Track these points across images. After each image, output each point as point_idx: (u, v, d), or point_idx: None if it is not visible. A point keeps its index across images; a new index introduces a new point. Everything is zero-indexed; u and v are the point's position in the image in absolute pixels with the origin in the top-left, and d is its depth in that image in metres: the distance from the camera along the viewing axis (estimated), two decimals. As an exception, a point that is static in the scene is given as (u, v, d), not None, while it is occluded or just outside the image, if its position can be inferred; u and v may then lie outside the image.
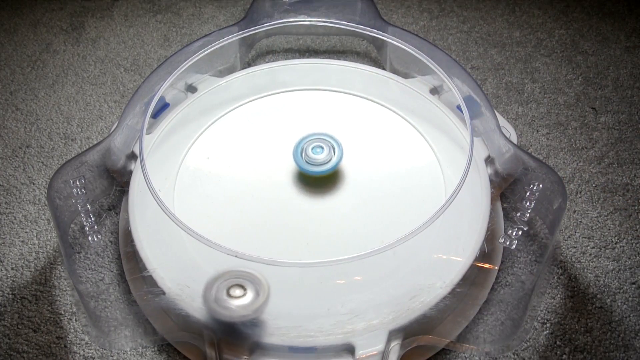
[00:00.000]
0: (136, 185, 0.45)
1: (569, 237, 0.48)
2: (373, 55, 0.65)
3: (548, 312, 0.43)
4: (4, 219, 0.50)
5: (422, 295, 0.39)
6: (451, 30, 0.68)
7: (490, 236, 0.42)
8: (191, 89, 0.54)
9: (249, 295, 0.36)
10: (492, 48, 0.65)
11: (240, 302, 0.35)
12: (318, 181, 0.46)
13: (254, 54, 0.65)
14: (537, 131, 0.56)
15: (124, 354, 0.42)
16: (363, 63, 0.58)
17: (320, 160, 0.44)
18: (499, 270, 0.45)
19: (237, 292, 0.36)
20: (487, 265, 0.43)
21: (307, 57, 0.64)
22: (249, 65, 0.63)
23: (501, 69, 0.63)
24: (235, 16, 0.70)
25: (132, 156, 0.48)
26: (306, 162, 0.44)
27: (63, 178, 0.43)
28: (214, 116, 0.51)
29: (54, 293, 0.45)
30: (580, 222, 0.49)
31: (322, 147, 0.45)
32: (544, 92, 0.60)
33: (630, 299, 0.44)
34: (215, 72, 0.56)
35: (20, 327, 0.43)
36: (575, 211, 0.50)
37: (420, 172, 0.46)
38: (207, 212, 0.44)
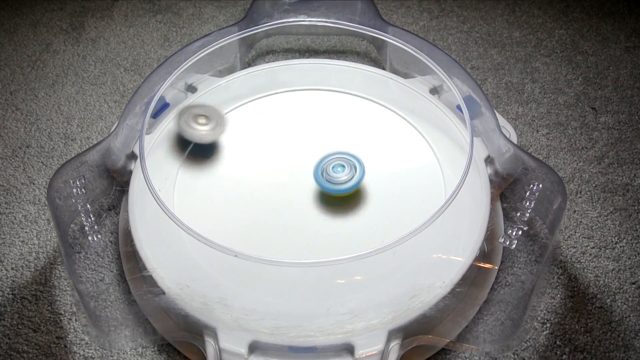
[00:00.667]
0: (136, 185, 0.45)
1: (569, 237, 0.48)
2: (373, 55, 0.65)
3: (548, 312, 0.43)
4: (4, 219, 0.50)
5: (422, 295, 0.39)
6: (451, 30, 0.68)
7: (490, 236, 0.42)
8: (191, 89, 0.54)
9: (211, 124, 0.47)
10: (492, 48, 0.65)
11: (204, 128, 0.47)
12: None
13: (254, 54, 0.65)
14: (537, 131, 0.56)
15: (124, 353, 0.42)
16: (363, 63, 0.58)
17: (342, 179, 0.43)
18: (499, 270, 0.45)
19: (202, 120, 0.47)
20: (486, 265, 0.43)
21: (307, 57, 0.64)
22: (249, 65, 0.63)
23: (501, 69, 0.63)
24: (235, 16, 0.70)
25: (132, 156, 0.48)
26: (327, 180, 0.44)
27: (63, 178, 0.43)
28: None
29: (54, 293, 0.45)
30: (580, 222, 0.49)
31: (344, 166, 0.44)
32: (544, 92, 0.60)
33: (630, 299, 0.44)
34: (215, 72, 0.56)
35: (20, 327, 0.43)
36: (575, 211, 0.50)
37: (420, 172, 0.46)
38: (207, 212, 0.44)
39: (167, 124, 0.50)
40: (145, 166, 0.42)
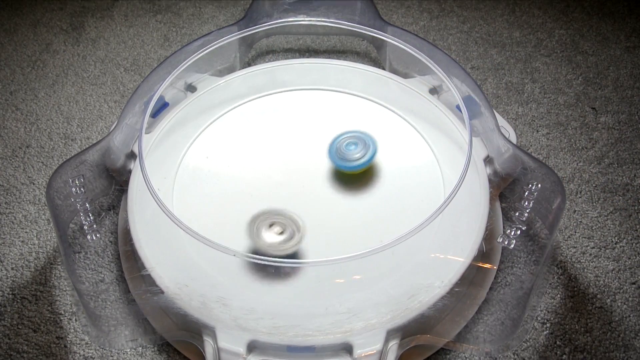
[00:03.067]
0: (135, 184, 0.45)
1: (568, 237, 0.48)
2: (373, 55, 0.65)
3: (548, 312, 0.43)
4: (4, 219, 0.50)
5: (421, 294, 0.39)
6: (451, 30, 0.67)
7: (488, 236, 0.42)
8: (191, 88, 0.54)
9: (286, 235, 0.40)
10: (492, 48, 0.65)
11: (277, 239, 0.40)
12: (317, 181, 0.46)
13: (253, 53, 0.65)
14: (537, 131, 0.56)
15: (123, 353, 0.42)
16: (363, 63, 0.58)
17: (355, 156, 0.45)
18: (498, 270, 0.45)
19: (276, 229, 0.40)
20: (485, 265, 0.43)
21: (307, 57, 0.64)
22: (248, 64, 0.63)
23: (501, 69, 0.63)
24: (235, 16, 0.70)
25: (132, 155, 0.48)
26: (339, 157, 0.45)
27: (62, 177, 0.43)
28: (213, 115, 0.51)
29: (54, 293, 0.45)
30: (580, 222, 0.49)
31: (357, 143, 0.45)
32: (544, 92, 0.60)
33: (630, 299, 0.44)
34: (214, 71, 0.56)
35: (20, 327, 0.43)
36: (575, 211, 0.50)
37: (419, 171, 0.46)
38: (206, 211, 0.44)
39: (167, 124, 0.50)
40: (145, 165, 0.42)
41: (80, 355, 0.42)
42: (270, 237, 0.40)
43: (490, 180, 0.45)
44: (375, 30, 0.52)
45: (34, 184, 0.52)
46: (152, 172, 0.43)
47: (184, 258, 0.41)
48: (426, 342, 0.40)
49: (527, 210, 0.42)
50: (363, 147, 0.45)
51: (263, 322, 0.38)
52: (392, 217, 0.44)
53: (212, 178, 0.47)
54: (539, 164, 0.43)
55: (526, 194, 0.43)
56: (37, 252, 0.48)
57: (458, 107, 0.47)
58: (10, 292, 0.45)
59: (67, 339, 0.42)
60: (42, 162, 0.54)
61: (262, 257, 0.37)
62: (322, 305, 0.39)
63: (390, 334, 0.38)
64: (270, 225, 0.40)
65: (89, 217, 0.43)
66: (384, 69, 0.58)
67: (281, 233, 0.40)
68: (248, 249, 0.41)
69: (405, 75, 0.55)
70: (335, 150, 0.46)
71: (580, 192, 0.51)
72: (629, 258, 0.47)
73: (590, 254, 0.47)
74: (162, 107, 0.52)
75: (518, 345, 0.42)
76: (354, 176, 0.46)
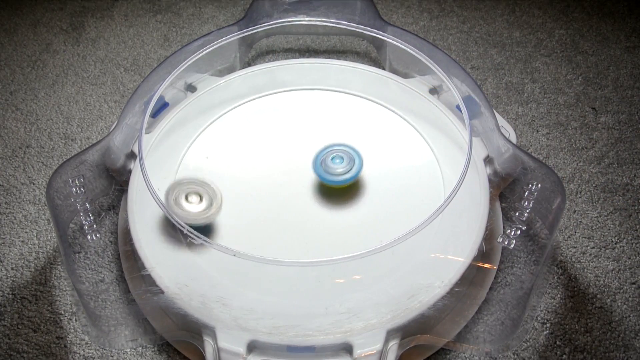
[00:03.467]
0: (135, 184, 0.45)
1: (569, 237, 0.48)
2: (373, 55, 0.65)
3: (548, 312, 0.43)
4: (4, 219, 0.50)
5: (421, 294, 0.39)
6: (451, 30, 0.67)
7: (488, 236, 0.42)
8: (191, 88, 0.54)
9: (203, 204, 0.41)
10: (492, 48, 0.65)
11: (195, 209, 0.40)
12: (316, 181, 0.46)
13: (253, 53, 0.65)
14: (537, 131, 0.56)
15: (123, 353, 0.42)
16: (363, 63, 0.58)
17: (340, 171, 0.44)
18: (498, 270, 0.45)
19: (194, 199, 0.40)
20: (485, 265, 0.43)
21: (307, 57, 0.64)
22: (248, 64, 0.63)
23: (501, 69, 0.63)
24: (235, 16, 0.70)
25: (132, 155, 0.48)
26: (325, 171, 0.44)
27: (62, 177, 0.43)
28: (213, 115, 0.51)
29: (54, 293, 0.45)
30: (580, 222, 0.49)
31: (342, 158, 0.44)
32: (544, 92, 0.60)
33: (630, 299, 0.44)
34: (214, 71, 0.56)
35: (20, 327, 0.43)
36: (575, 211, 0.50)
37: (419, 171, 0.46)
38: (206, 212, 0.44)
39: (167, 123, 0.50)
40: (145, 165, 0.42)
41: (80, 355, 0.42)
42: (191, 207, 0.40)
43: (490, 180, 0.45)
44: (375, 30, 0.52)
45: (34, 184, 0.52)
46: (152, 172, 0.43)
47: (184, 258, 0.41)
48: (426, 342, 0.40)
49: (527, 210, 0.42)
50: (349, 161, 0.44)
51: (263, 322, 0.38)
52: (392, 217, 0.44)
53: (212, 178, 0.46)
54: (539, 164, 0.43)
55: (526, 194, 0.43)
56: (37, 252, 0.48)
57: (458, 107, 0.47)
58: (10, 292, 0.45)
59: (67, 339, 0.42)
60: (42, 162, 0.54)
61: (261, 257, 0.37)
62: (322, 305, 0.39)
63: (390, 334, 0.38)
64: (187, 196, 0.40)
65: (89, 217, 0.43)
66: (384, 69, 0.58)
67: (200, 202, 0.40)
68: (246, 248, 0.41)
69: (405, 75, 0.55)
70: (320, 163, 0.44)
71: (580, 192, 0.51)
72: (629, 258, 0.47)
73: (590, 254, 0.47)
74: (162, 107, 0.52)
75: (518, 345, 0.42)
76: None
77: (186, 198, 0.40)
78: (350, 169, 0.44)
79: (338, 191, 0.45)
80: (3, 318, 0.43)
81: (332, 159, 0.44)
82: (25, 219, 0.50)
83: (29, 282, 0.46)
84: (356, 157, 0.44)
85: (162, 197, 0.40)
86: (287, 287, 0.40)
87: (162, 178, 0.46)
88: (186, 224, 0.39)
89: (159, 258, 0.41)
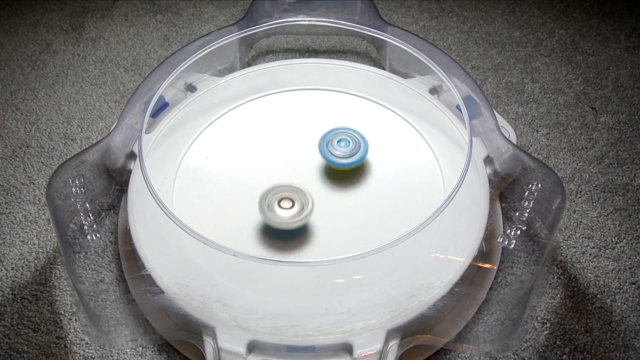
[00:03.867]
0: (135, 184, 0.45)
1: (569, 237, 0.48)
2: (373, 55, 0.65)
3: (548, 312, 0.43)
4: (4, 219, 0.50)
5: (421, 294, 0.39)
6: (451, 30, 0.67)
7: (488, 236, 0.42)
8: (191, 88, 0.54)
9: (296, 208, 0.42)
10: (492, 48, 0.65)
11: (289, 213, 0.42)
12: (317, 181, 0.46)
13: (253, 53, 0.65)
14: (537, 131, 0.56)
15: (123, 353, 0.42)
16: (363, 63, 0.58)
17: (346, 153, 0.45)
18: (498, 270, 0.45)
19: (286, 204, 0.42)
20: (485, 265, 0.43)
21: (307, 57, 0.64)
22: (248, 64, 0.63)
23: (501, 69, 0.63)
24: (235, 16, 0.70)
25: (132, 155, 0.48)
26: (331, 153, 0.45)
27: (62, 177, 0.43)
28: (213, 115, 0.51)
29: (54, 293, 0.45)
30: (580, 222, 0.49)
31: (349, 141, 0.45)
32: (544, 92, 0.60)
33: (630, 299, 0.44)
34: (214, 71, 0.56)
35: (20, 327, 0.43)
36: (575, 211, 0.50)
37: (419, 171, 0.46)
38: (206, 211, 0.44)
39: (167, 123, 0.50)
40: (145, 165, 0.42)
41: (80, 355, 0.42)
42: (282, 211, 0.42)
43: (490, 180, 0.45)
44: (375, 30, 0.52)
45: (34, 184, 0.52)
46: (152, 172, 0.43)
47: (184, 258, 0.41)
48: (426, 342, 0.40)
49: (527, 210, 0.42)
50: (354, 144, 0.45)
51: (263, 322, 0.38)
52: (392, 217, 0.44)
53: (212, 178, 0.47)
54: (539, 164, 0.43)
55: (526, 194, 0.43)
56: (37, 252, 0.48)
57: (458, 107, 0.47)
58: (10, 292, 0.45)
59: (67, 339, 0.42)
60: (42, 162, 0.54)
61: (262, 257, 0.37)
62: (322, 305, 0.39)
63: (390, 334, 0.38)
64: (280, 201, 0.42)
65: (89, 217, 0.43)
66: (384, 69, 0.58)
67: (291, 207, 0.42)
68: (246, 248, 0.41)
69: (405, 75, 0.55)
70: (326, 145, 0.45)
71: (580, 192, 0.51)
72: (629, 258, 0.47)
73: (590, 254, 0.47)
74: (162, 107, 0.52)
75: (518, 345, 0.42)
76: (354, 176, 0.46)
77: (279, 204, 0.42)
78: (357, 153, 0.45)
79: (339, 191, 0.45)
80: (3, 318, 0.43)
81: (339, 141, 0.45)
82: (25, 219, 0.50)
83: (29, 282, 0.46)
84: (362, 141, 0.45)
85: (258, 205, 0.42)
86: (287, 287, 0.40)
87: (162, 178, 0.46)
88: (281, 228, 0.41)
89: (159, 258, 0.41)
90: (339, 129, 0.46)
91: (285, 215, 0.42)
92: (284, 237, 0.43)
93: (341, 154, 0.45)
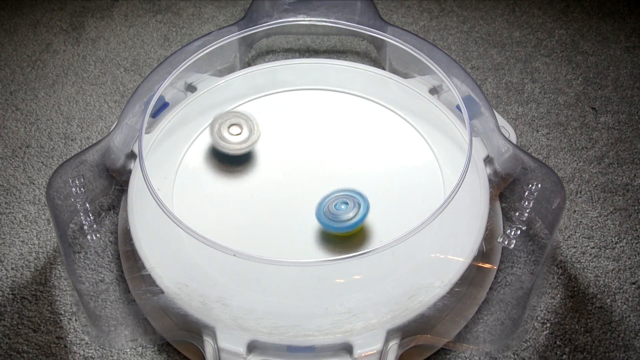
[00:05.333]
0: (135, 184, 0.45)
1: (569, 237, 0.48)
2: (373, 55, 0.65)
3: (548, 312, 0.43)
4: (4, 219, 0.50)
5: (421, 294, 0.39)
6: (451, 30, 0.67)
7: (488, 236, 0.42)
8: (191, 88, 0.54)
9: (244, 133, 0.46)
10: (492, 48, 0.65)
11: (236, 139, 0.46)
12: (317, 181, 0.46)
13: (253, 53, 0.65)
14: (537, 131, 0.56)
15: (123, 353, 0.42)
16: (363, 63, 0.58)
17: (345, 217, 0.41)
18: (498, 270, 0.45)
19: (235, 130, 0.46)
20: (485, 265, 0.43)
21: (307, 57, 0.64)
22: (248, 64, 0.63)
23: (501, 69, 0.63)
24: (235, 16, 0.70)
25: (132, 155, 0.48)
26: (330, 218, 0.41)
27: (62, 177, 0.43)
28: (213, 115, 0.51)
29: (54, 293, 0.45)
30: (580, 222, 0.49)
31: (347, 203, 0.42)
32: (544, 92, 0.60)
33: (630, 299, 0.44)
34: (214, 71, 0.56)
35: (20, 327, 0.43)
36: (575, 211, 0.50)
37: (419, 171, 0.46)
38: (206, 211, 0.44)
39: (167, 123, 0.50)
40: (145, 165, 0.42)
41: (80, 355, 0.42)
42: (231, 137, 0.45)
43: (490, 180, 0.45)
44: (375, 30, 0.52)
45: (34, 184, 0.52)
46: (152, 172, 0.43)
47: (184, 258, 0.41)
48: (426, 342, 0.40)
49: (527, 210, 0.42)
50: (354, 206, 0.41)
51: (263, 322, 0.38)
52: (392, 217, 0.44)
53: (212, 178, 0.47)
54: (539, 164, 0.43)
55: (526, 194, 0.43)
56: (37, 252, 0.48)
57: (458, 107, 0.47)
58: (10, 292, 0.45)
59: (67, 339, 0.42)
60: (42, 162, 0.54)
61: (261, 257, 0.37)
62: (322, 305, 0.39)
63: (390, 334, 0.38)
64: (229, 127, 0.46)
65: (89, 217, 0.43)
66: (384, 69, 0.58)
67: (239, 134, 0.46)
68: (246, 248, 0.41)
69: (405, 75, 0.55)
70: (323, 211, 0.42)
71: (580, 192, 0.51)
72: (629, 258, 0.47)
73: (590, 254, 0.47)
74: (162, 107, 0.52)
75: (518, 345, 0.42)
76: (354, 176, 0.46)
77: (228, 129, 0.46)
78: (356, 214, 0.41)
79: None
80: (3, 318, 0.43)
81: (336, 205, 0.42)
82: (25, 219, 0.50)
83: (29, 282, 0.46)
84: (361, 201, 0.42)
85: (209, 130, 0.46)
86: (287, 287, 0.40)
87: (162, 178, 0.46)
88: (230, 153, 0.45)
89: (159, 258, 0.41)
90: (335, 192, 0.43)
91: (234, 141, 0.45)
92: (284, 237, 0.43)
93: (341, 218, 0.41)
